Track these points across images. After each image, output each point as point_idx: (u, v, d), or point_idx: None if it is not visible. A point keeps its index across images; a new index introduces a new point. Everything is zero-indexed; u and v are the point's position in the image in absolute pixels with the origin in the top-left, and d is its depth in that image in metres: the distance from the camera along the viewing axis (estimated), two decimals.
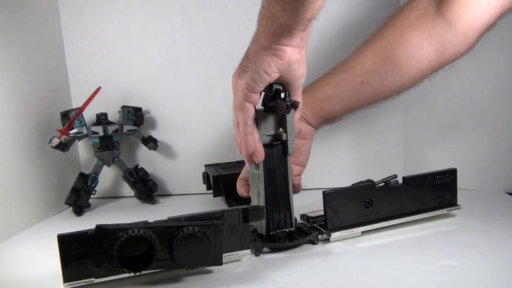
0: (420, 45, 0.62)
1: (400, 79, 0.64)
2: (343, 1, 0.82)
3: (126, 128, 0.84)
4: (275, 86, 0.53)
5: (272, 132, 0.56)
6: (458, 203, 0.64)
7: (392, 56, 0.63)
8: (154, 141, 0.87)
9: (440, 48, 0.62)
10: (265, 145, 0.55)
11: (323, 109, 0.65)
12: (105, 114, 0.83)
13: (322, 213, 0.59)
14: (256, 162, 0.55)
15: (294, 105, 0.52)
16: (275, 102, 0.52)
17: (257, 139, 0.54)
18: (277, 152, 0.56)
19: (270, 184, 0.56)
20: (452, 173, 0.63)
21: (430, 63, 0.63)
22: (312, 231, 0.58)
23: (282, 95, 0.52)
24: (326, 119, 0.68)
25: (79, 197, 0.80)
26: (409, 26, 0.63)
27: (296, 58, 0.49)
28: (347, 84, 0.64)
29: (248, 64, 0.51)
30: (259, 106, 0.55)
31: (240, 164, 0.82)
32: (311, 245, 0.57)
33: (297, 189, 0.64)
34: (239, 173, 0.73)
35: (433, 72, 0.65)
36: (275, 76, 0.50)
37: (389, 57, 0.63)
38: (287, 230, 0.57)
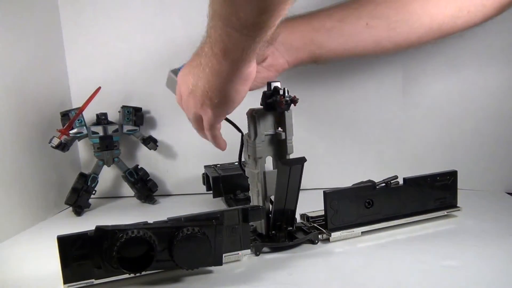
0: (438, 2, 0.59)
1: (408, 33, 0.60)
2: None
3: (126, 128, 0.84)
4: (273, 84, 0.53)
5: (271, 131, 0.56)
6: (458, 205, 0.64)
7: (408, 5, 0.58)
8: (154, 141, 0.87)
9: (457, 12, 0.59)
10: (283, 162, 0.54)
11: (313, 41, 0.60)
12: (105, 114, 0.83)
13: (322, 213, 0.59)
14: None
15: (294, 101, 0.52)
16: (275, 99, 0.52)
17: (220, 136, 0.56)
18: (295, 171, 0.53)
19: (280, 198, 0.55)
20: (453, 175, 0.63)
21: (442, 24, 0.60)
22: (312, 230, 0.58)
23: (281, 91, 0.52)
24: (311, 56, 0.62)
25: (79, 197, 0.80)
26: None
27: (257, 68, 0.48)
28: (351, 22, 0.59)
29: (213, 98, 0.48)
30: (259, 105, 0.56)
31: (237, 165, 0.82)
32: (311, 245, 0.57)
33: None
34: (239, 174, 0.73)
35: (441, 37, 0.62)
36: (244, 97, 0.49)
37: (405, 6, 0.59)
38: (287, 229, 0.57)
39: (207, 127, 0.53)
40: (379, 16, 0.59)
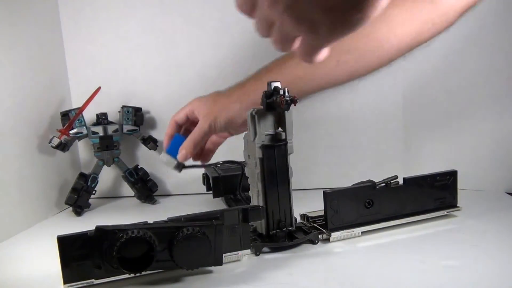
0: (403, 22, 0.59)
1: (379, 57, 0.61)
2: None
3: (126, 128, 0.84)
4: (273, 84, 0.53)
5: (271, 131, 0.56)
6: (458, 205, 0.64)
7: (372, 34, 0.59)
8: (154, 141, 0.87)
9: (422, 26, 0.59)
10: (266, 146, 0.55)
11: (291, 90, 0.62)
12: (105, 114, 0.83)
13: (322, 213, 0.59)
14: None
15: (294, 101, 0.52)
16: (275, 99, 0.52)
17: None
18: (279, 152, 0.56)
19: (271, 183, 0.56)
20: (453, 174, 0.63)
21: (410, 41, 0.60)
22: (312, 230, 0.58)
23: (281, 91, 0.52)
24: None
25: (79, 197, 0.80)
26: (392, 3, 0.60)
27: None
28: (322, 64, 0.60)
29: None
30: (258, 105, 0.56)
31: (240, 165, 0.82)
32: (311, 245, 0.57)
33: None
34: (238, 174, 0.73)
35: (409, 51, 0.63)
36: None
37: (369, 35, 0.59)
38: (287, 229, 0.57)
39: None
40: (348, 50, 0.60)
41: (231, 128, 0.65)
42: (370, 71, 0.63)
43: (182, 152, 0.66)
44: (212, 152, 0.73)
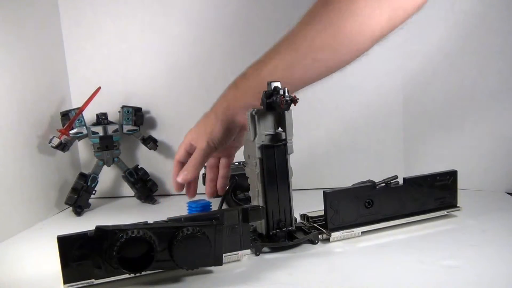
0: (371, 13, 0.57)
1: (354, 50, 0.60)
2: None
3: (126, 128, 0.84)
4: (273, 84, 0.53)
5: (271, 131, 0.56)
6: (458, 205, 0.64)
7: (343, 29, 0.58)
8: (154, 141, 0.87)
9: (392, 13, 0.58)
10: (266, 146, 0.55)
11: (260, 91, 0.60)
12: (105, 114, 0.83)
13: (322, 213, 0.59)
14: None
15: (294, 101, 0.52)
16: (275, 99, 0.52)
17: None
18: (279, 152, 0.56)
19: (271, 183, 0.56)
20: (453, 174, 0.63)
21: (382, 29, 0.59)
22: (312, 230, 0.58)
23: (281, 91, 0.52)
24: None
25: (79, 197, 0.80)
26: None
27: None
28: (298, 65, 0.59)
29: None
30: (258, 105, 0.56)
31: (240, 165, 0.82)
32: (311, 245, 0.57)
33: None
34: (238, 174, 0.73)
35: (384, 37, 0.61)
36: None
37: (340, 30, 0.58)
38: (287, 229, 0.57)
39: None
40: (320, 47, 0.59)
41: (229, 136, 0.64)
42: (349, 62, 0.62)
43: (183, 173, 0.64)
44: (225, 178, 0.73)
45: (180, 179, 0.65)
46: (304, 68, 0.60)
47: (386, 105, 0.84)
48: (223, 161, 0.72)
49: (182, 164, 0.67)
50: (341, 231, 0.58)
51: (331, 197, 0.58)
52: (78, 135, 0.81)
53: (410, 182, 0.61)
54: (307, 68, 0.60)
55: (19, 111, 0.74)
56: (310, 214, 0.62)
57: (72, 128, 0.80)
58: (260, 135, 0.55)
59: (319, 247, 0.57)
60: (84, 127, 0.81)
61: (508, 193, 0.76)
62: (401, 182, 0.61)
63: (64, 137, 0.78)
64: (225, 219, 0.51)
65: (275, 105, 0.52)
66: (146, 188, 0.85)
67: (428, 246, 0.55)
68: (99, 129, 0.82)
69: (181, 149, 0.67)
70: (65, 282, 0.46)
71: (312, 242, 0.57)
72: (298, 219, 0.62)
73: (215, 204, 0.75)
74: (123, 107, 0.85)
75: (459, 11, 0.76)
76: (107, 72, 0.88)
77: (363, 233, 0.59)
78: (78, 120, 0.80)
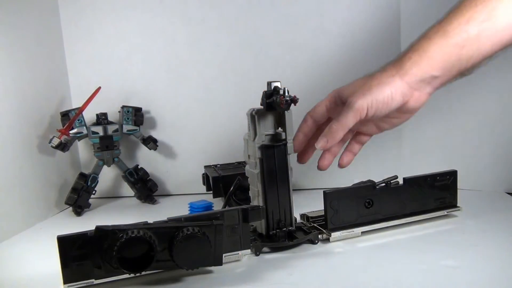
0: None
1: None
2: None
3: (126, 128, 0.84)
4: (273, 83, 0.53)
5: (271, 131, 0.56)
6: (458, 205, 0.64)
7: None
8: (154, 141, 0.87)
9: None
10: (266, 146, 0.55)
11: (461, 58, 0.49)
12: (105, 114, 0.83)
13: (322, 213, 0.59)
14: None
15: (294, 101, 0.52)
16: (275, 99, 0.52)
17: None
18: (279, 152, 0.56)
19: (271, 184, 0.56)
20: (453, 174, 0.63)
21: None
22: (312, 230, 0.58)
23: (281, 91, 0.52)
24: (461, 73, 0.51)
25: (79, 197, 0.80)
26: None
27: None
28: (500, 14, 0.46)
29: None
30: (258, 105, 0.56)
31: (240, 165, 0.83)
32: (311, 245, 0.57)
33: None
34: (238, 174, 0.73)
35: None
36: None
37: None
38: (287, 229, 0.57)
39: None
40: None
41: (385, 111, 0.51)
42: None
43: (322, 140, 0.52)
44: (353, 154, 0.59)
45: (320, 146, 0.52)
46: (508, 18, 0.47)
47: None
48: (360, 138, 0.60)
49: (315, 123, 0.56)
50: (341, 231, 0.58)
51: (331, 197, 0.58)
52: (78, 135, 0.81)
53: (410, 182, 0.61)
54: None
55: (19, 111, 0.74)
56: (310, 214, 0.62)
57: (72, 128, 0.80)
58: (260, 135, 0.55)
59: (319, 247, 0.57)
60: (84, 127, 0.81)
61: (508, 193, 0.76)
62: (401, 182, 0.61)
63: (64, 137, 0.78)
64: (225, 219, 0.51)
65: (275, 105, 0.52)
66: (146, 188, 0.85)
67: (428, 246, 0.55)
68: (99, 129, 0.82)
69: (321, 105, 0.56)
70: (65, 282, 0.46)
71: (312, 242, 0.57)
72: (298, 219, 0.62)
73: (216, 205, 0.75)
74: (123, 107, 0.85)
75: None
76: (107, 72, 0.88)
77: (363, 233, 0.59)
78: (78, 120, 0.80)
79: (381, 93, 0.50)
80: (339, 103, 0.54)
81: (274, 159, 0.55)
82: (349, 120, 0.51)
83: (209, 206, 0.71)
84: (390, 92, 0.50)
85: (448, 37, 0.48)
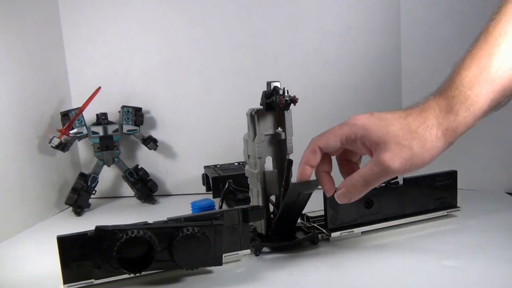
0: None
1: None
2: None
3: (126, 128, 0.84)
4: (273, 83, 0.53)
5: (271, 131, 0.56)
6: (458, 205, 0.64)
7: None
8: (154, 141, 0.87)
9: None
10: (295, 185, 0.50)
11: (505, 91, 0.45)
12: (105, 114, 0.83)
13: (322, 213, 0.59)
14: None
15: (294, 101, 0.52)
16: (274, 99, 0.52)
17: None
18: (304, 196, 0.52)
19: (284, 213, 0.54)
20: (452, 174, 0.63)
21: None
22: (312, 230, 0.58)
23: (281, 91, 0.52)
24: (498, 106, 0.48)
25: (79, 197, 0.80)
26: None
27: None
28: None
29: None
30: (258, 105, 0.56)
31: (240, 165, 0.83)
32: (311, 245, 0.57)
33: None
34: (238, 174, 0.73)
35: None
36: None
37: None
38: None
39: None
40: None
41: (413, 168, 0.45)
42: None
43: (344, 196, 0.46)
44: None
45: (340, 198, 0.47)
46: None
47: (386, 105, 0.84)
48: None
49: (322, 154, 0.48)
50: (341, 231, 0.58)
51: (331, 197, 0.57)
52: (78, 135, 0.81)
53: (410, 182, 0.61)
54: None
55: (19, 111, 0.74)
56: (310, 214, 0.62)
57: (72, 128, 0.80)
58: (260, 135, 0.55)
59: (319, 247, 0.57)
60: (84, 127, 0.81)
61: (508, 193, 0.76)
62: (401, 182, 0.61)
63: (64, 137, 0.78)
64: (225, 219, 0.51)
65: (275, 105, 0.52)
66: (146, 188, 0.85)
67: (428, 246, 0.55)
68: (99, 129, 0.82)
69: (336, 136, 0.48)
70: (65, 282, 0.46)
71: (312, 242, 0.57)
72: (298, 219, 0.62)
73: (218, 204, 0.75)
74: (123, 107, 0.84)
75: (459, 11, 0.76)
76: (107, 72, 0.88)
77: (363, 233, 0.59)
78: (78, 120, 0.80)
79: (422, 161, 0.44)
80: (360, 143, 0.46)
81: (297, 195, 0.53)
82: (379, 182, 0.44)
83: (211, 206, 0.71)
84: (431, 158, 0.45)
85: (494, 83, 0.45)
